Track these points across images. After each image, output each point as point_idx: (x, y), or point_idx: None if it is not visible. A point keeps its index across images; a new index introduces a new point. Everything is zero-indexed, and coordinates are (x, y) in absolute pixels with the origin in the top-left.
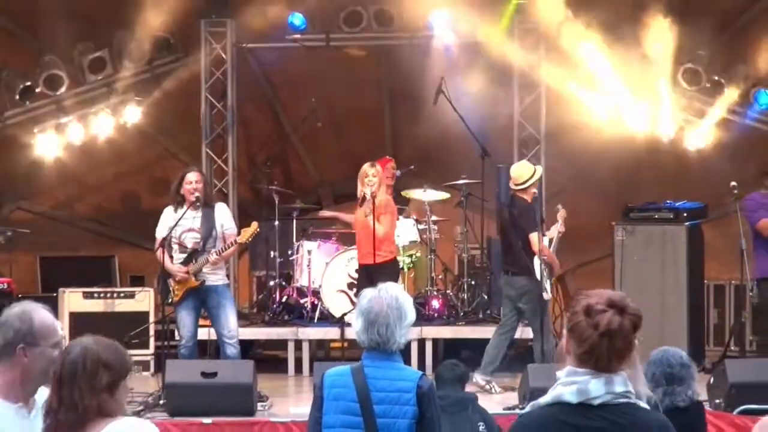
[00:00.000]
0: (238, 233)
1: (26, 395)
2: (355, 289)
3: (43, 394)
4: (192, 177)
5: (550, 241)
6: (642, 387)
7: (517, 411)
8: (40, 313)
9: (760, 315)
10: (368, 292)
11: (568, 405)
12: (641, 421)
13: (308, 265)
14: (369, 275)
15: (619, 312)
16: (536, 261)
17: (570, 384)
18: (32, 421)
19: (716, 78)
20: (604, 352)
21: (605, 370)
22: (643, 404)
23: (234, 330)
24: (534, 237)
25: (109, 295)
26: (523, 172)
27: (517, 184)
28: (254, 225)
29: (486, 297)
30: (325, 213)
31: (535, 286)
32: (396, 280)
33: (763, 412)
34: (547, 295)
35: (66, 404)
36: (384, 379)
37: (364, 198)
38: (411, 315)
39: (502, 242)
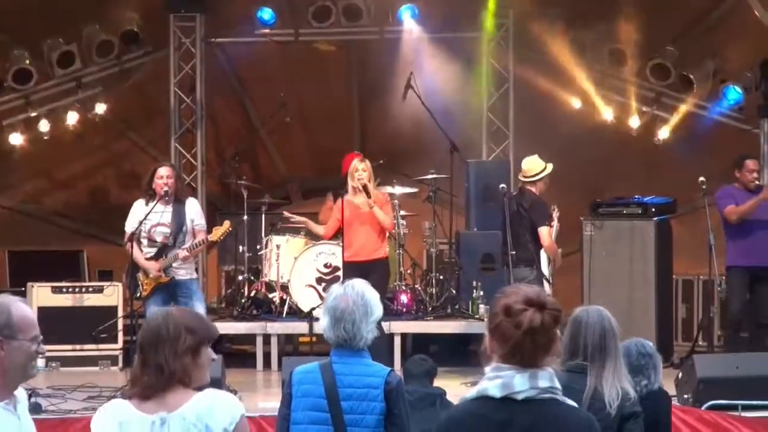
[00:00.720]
0: (210, 231)
1: (6, 391)
2: (324, 284)
3: (23, 392)
4: (164, 171)
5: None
6: (626, 384)
7: None
8: (18, 305)
9: (725, 304)
10: (335, 289)
11: (491, 399)
12: (564, 417)
13: (277, 260)
14: (363, 273)
15: (538, 309)
16: (543, 254)
17: (494, 378)
18: (20, 417)
19: (685, 73)
20: (528, 350)
21: (530, 366)
22: (569, 401)
23: None
24: (544, 231)
25: (77, 289)
26: (533, 165)
27: (526, 177)
28: (226, 224)
29: (454, 292)
30: (296, 217)
31: (537, 277)
32: (388, 279)
33: (731, 408)
34: (548, 288)
35: (151, 366)
36: (352, 375)
37: (366, 189)
38: (377, 311)
39: (506, 233)
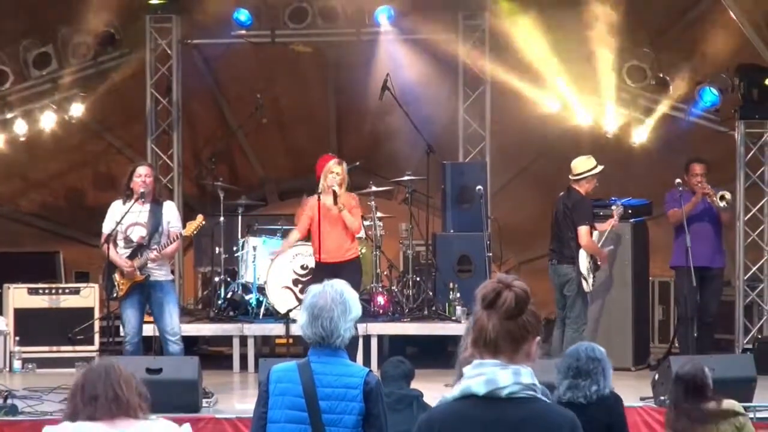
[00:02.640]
0: (183, 225)
1: None
2: (300, 286)
3: None
4: (142, 170)
5: (601, 234)
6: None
7: None
8: None
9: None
10: (314, 288)
11: (475, 398)
12: (549, 415)
13: (253, 262)
14: (334, 274)
15: (507, 288)
16: (582, 252)
17: (477, 375)
18: None
19: (661, 75)
20: (489, 331)
21: (508, 358)
22: (547, 399)
23: (176, 327)
24: (582, 230)
25: (53, 291)
26: (580, 164)
27: (573, 175)
28: (199, 218)
29: (431, 293)
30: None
31: (578, 275)
32: (361, 279)
33: None
34: (587, 287)
35: (101, 396)
36: (330, 374)
37: (334, 194)
38: (356, 310)
39: (552, 231)
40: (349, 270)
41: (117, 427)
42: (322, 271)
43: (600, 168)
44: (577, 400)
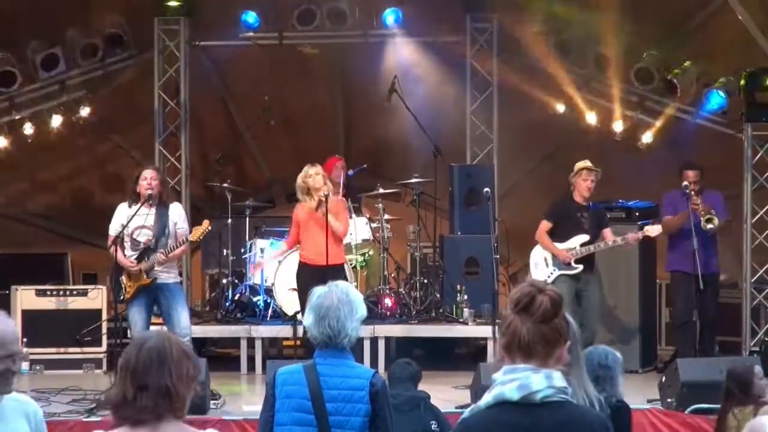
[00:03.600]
0: (190, 232)
1: None
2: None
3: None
4: (148, 174)
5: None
6: (590, 388)
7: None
8: None
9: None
10: (319, 289)
11: (509, 404)
12: (585, 418)
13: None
14: (322, 278)
15: (540, 292)
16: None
17: (510, 381)
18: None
19: (668, 77)
20: (524, 335)
21: (540, 362)
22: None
23: (187, 328)
24: (541, 223)
25: (61, 292)
26: (575, 167)
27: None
28: (206, 223)
29: (438, 295)
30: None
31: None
32: None
33: (714, 411)
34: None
35: (150, 389)
36: (336, 376)
37: (319, 202)
38: (362, 310)
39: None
40: (336, 275)
41: None
42: (307, 274)
43: (579, 166)
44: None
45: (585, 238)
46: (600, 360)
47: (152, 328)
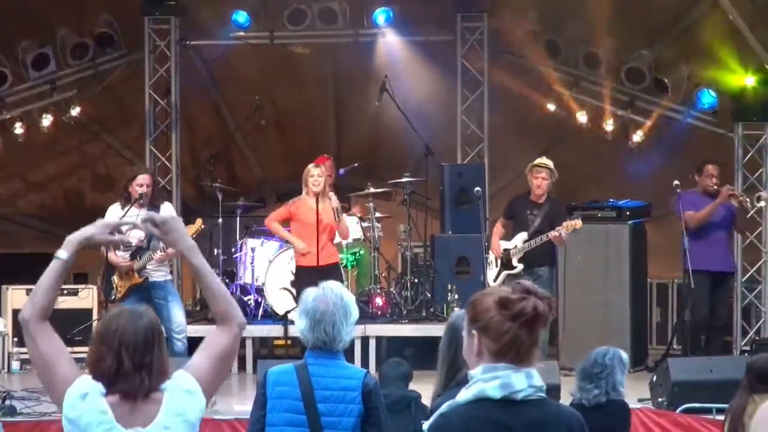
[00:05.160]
0: None
1: None
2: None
3: None
4: (142, 180)
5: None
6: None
7: None
8: None
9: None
10: (312, 291)
11: (490, 401)
12: (562, 416)
13: (251, 263)
14: (319, 278)
15: (535, 296)
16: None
17: (492, 379)
18: None
19: (659, 77)
20: (524, 342)
21: (524, 363)
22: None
23: (182, 324)
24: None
25: None
26: None
27: None
28: (198, 222)
29: (429, 295)
30: (280, 232)
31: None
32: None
33: (705, 411)
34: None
35: (137, 368)
36: (328, 377)
37: (337, 212)
38: (355, 313)
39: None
40: (332, 275)
41: (137, 419)
42: (306, 275)
43: (530, 164)
44: (581, 401)
45: (525, 236)
46: (598, 359)
47: None
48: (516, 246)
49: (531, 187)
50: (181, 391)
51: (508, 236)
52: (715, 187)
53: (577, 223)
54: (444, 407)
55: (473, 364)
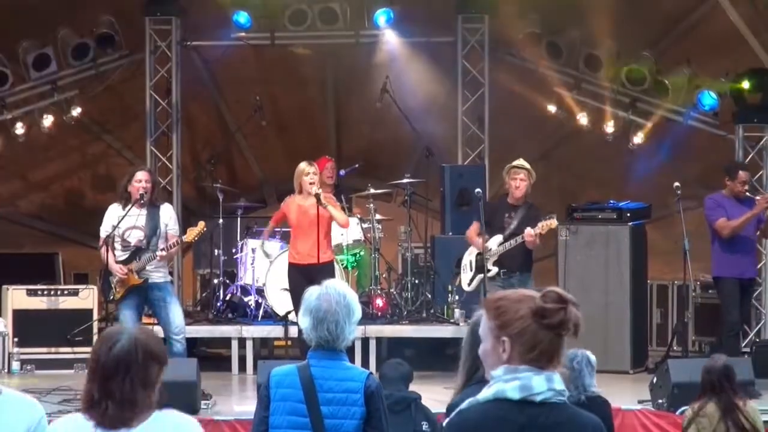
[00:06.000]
0: (184, 232)
1: None
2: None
3: None
4: (141, 176)
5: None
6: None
7: None
8: None
9: (704, 313)
10: (315, 290)
11: (508, 401)
12: (580, 421)
13: (252, 264)
14: (310, 276)
15: (574, 306)
16: (471, 248)
17: (511, 380)
18: None
19: (660, 79)
20: (556, 351)
21: (548, 367)
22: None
23: (181, 326)
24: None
25: (52, 292)
26: None
27: None
28: (201, 224)
29: (429, 296)
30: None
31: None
32: None
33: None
34: (464, 284)
35: (116, 399)
36: (331, 379)
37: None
38: (358, 312)
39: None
40: (326, 273)
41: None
42: (298, 273)
43: (508, 166)
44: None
45: (500, 238)
46: (565, 362)
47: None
48: (490, 249)
49: (510, 189)
50: (173, 427)
51: None
52: (747, 194)
53: (552, 222)
54: (464, 404)
55: (493, 366)
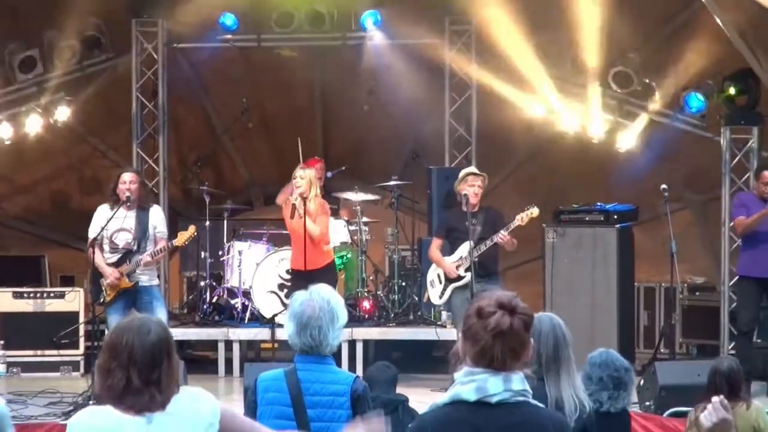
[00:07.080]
0: (175, 236)
1: None
2: (286, 291)
3: None
4: (126, 177)
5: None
6: (582, 394)
7: None
8: None
9: (692, 315)
10: (300, 295)
11: (466, 404)
12: (538, 420)
13: (239, 266)
14: (305, 282)
15: (509, 312)
16: (432, 267)
17: (468, 382)
18: None
19: (647, 80)
20: (497, 353)
21: (502, 369)
22: (539, 403)
23: None
24: (432, 242)
25: (39, 294)
26: None
27: None
28: (191, 229)
29: (416, 298)
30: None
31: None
32: (335, 284)
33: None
34: (433, 298)
35: (162, 385)
36: (318, 382)
37: (293, 207)
38: (343, 317)
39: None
40: (323, 278)
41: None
42: (298, 279)
43: (464, 173)
44: (616, 408)
45: (468, 245)
46: (622, 364)
47: None
48: (462, 256)
49: (466, 197)
50: (192, 401)
51: (447, 252)
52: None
53: (533, 211)
54: (427, 407)
55: (458, 368)
